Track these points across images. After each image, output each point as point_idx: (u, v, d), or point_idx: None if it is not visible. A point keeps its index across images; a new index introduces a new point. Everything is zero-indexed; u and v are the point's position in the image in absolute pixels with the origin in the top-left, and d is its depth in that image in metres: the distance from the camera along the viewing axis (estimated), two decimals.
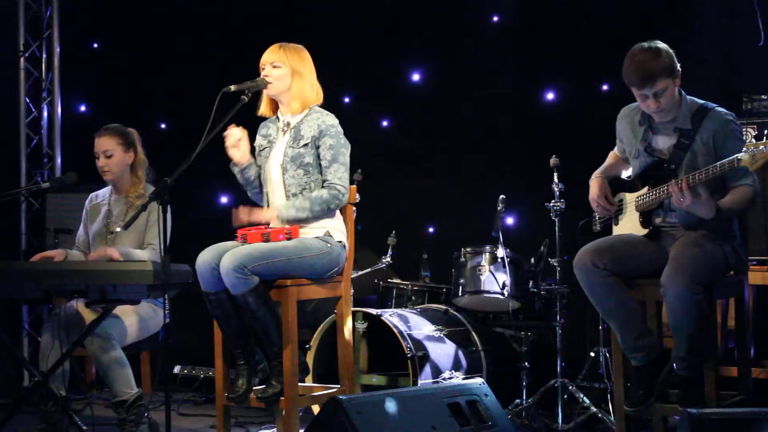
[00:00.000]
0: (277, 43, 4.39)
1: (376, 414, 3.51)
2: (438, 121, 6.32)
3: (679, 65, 3.92)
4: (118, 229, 4.77)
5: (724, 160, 3.71)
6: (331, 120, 4.34)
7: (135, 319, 4.68)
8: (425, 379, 4.80)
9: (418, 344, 4.86)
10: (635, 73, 3.88)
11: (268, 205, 4.42)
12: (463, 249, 5.25)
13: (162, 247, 3.80)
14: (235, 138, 4.30)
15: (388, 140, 6.50)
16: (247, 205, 4.32)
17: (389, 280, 5.62)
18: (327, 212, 4.31)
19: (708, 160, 3.86)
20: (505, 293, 5.08)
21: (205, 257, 4.14)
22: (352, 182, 4.45)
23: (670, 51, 3.91)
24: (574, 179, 4.78)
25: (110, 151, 4.83)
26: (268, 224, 4.42)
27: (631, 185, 4.19)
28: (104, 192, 5.00)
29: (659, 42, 3.93)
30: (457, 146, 6.29)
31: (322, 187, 4.29)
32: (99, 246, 4.83)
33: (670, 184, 3.82)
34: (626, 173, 4.31)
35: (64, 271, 4.21)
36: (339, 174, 4.29)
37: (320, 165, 4.32)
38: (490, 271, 5.13)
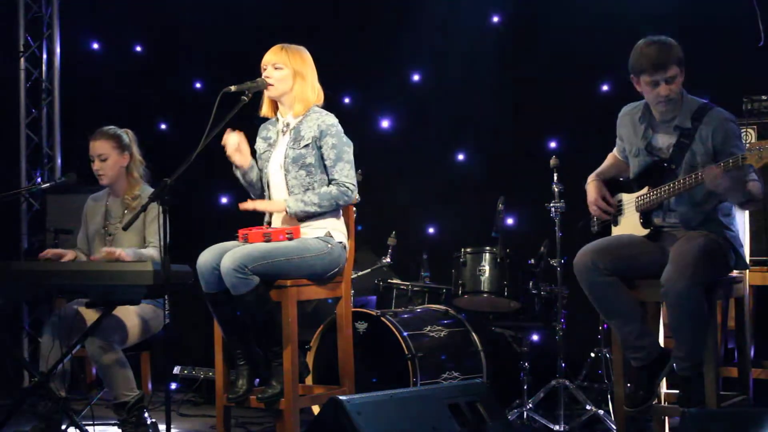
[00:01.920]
0: (278, 43, 4.39)
1: (376, 414, 3.51)
2: (438, 121, 6.33)
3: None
4: (119, 225, 4.78)
5: (728, 159, 3.69)
6: (330, 119, 4.35)
7: (136, 320, 4.68)
8: (425, 380, 4.80)
9: (417, 345, 4.86)
10: (649, 58, 3.88)
11: None
12: (463, 249, 5.25)
13: (162, 247, 3.80)
14: (234, 143, 4.30)
15: (388, 140, 6.50)
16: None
17: (389, 280, 5.61)
18: (335, 208, 4.31)
19: (706, 160, 3.87)
20: (505, 293, 5.08)
21: (205, 257, 4.14)
22: None
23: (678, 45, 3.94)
24: (574, 180, 4.78)
25: (105, 154, 4.82)
26: (270, 224, 4.42)
27: (630, 186, 4.19)
28: (102, 193, 5.00)
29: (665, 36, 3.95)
30: (457, 146, 6.29)
31: (330, 185, 4.30)
32: (97, 246, 4.83)
33: (708, 169, 3.76)
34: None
35: (64, 272, 4.21)
36: (345, 172, 4.30)
37: (323, 165, 4.32)
38: (490, 271, 5.12)
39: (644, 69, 3.91)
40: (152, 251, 4.68)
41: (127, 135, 4.92)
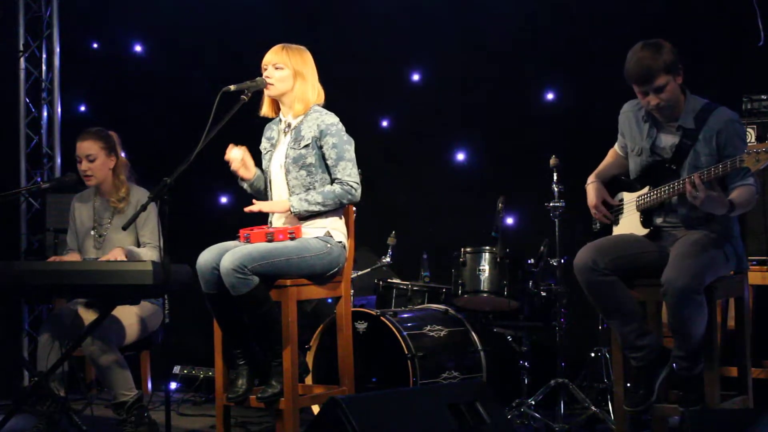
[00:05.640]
0: (278, 43, 4.40)
1: (375, 414, 3.51)
2: (438, 121, 6.32)
3: (681, 63, 3.91)
4: (108, 226, 4.79)
5: (726, 161, 3.70)
6: (330, 119, 4.35)
7: (134, 318, 4.69)
8: (425, 380, 4.80)
9: (417, 344, 4.86)
10: (635, 70, 3.89)
11: None
12: (463, 249, 5.25)
13: (162, 247, 3.80)
14: (238, 158, 4.31)
15: (388, 140, 6.50)
16: (246, 204, 4.33)
17: (389, 280, 5.61)
18: (339, 206, 4.31)
19: (711, 160, 3.86)
20: (505, 293, 5.08)
21: (205, 257, 4.14)
22: None
23: (672, 48, 3.91)
24: (574, 179, 4.78)
25: (93, 155, 4.82)
26: (271, 224, 4.42)
27: (630, 185, 4.19)
28: (87, 193, 5.00)
29: (661, 40, 3.93)
30: (457, 146, 6.29)
31: (333, 183, 4.30)
32: (88, 246, 4.84)
33: (684, 180, 3.80)
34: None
35: (64, 271, 4.22)
36: (348, 171, 4.30)
37: (324, 164, 4.32)
38: (490, 270, 5.12)
39: (632, 79, 3.93)
40: (148, 251, 4.68)
41: (112, 136, 4.92)
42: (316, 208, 4.25)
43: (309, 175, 4.31)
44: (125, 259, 4.51)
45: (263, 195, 4.48)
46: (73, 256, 4.83)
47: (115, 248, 4.66)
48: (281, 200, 4.33)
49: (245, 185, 4.46)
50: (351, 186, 4.29)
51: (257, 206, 4.25)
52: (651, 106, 3.94)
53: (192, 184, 5.39)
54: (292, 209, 4.24)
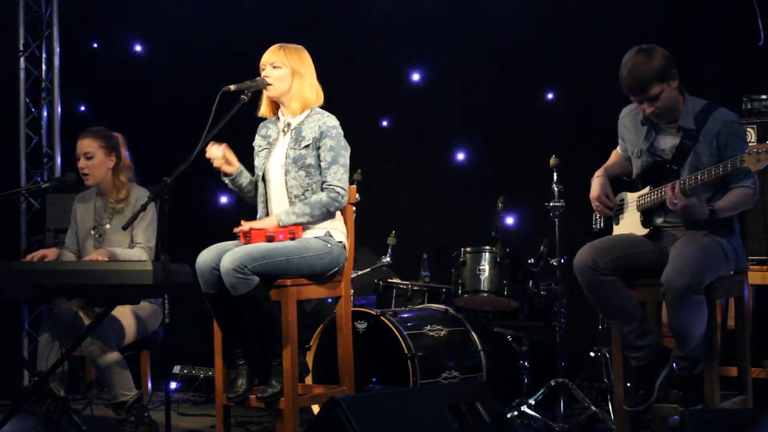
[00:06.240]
0: (277, 43, 4.40)
1: (375, 414, 3.50)
2: (438, 121, 6.32)
3: (675, 67, 3.90)
4: (108, 226, 4.78)
5: (726, 161, 3.71)
6: (332, 121, 4.35)
7: (134, 318, 4.69)
8: (425, 380, 4.80)
9: (417, 344, 4.86)
10: (628, 80, 3.89)
11: (266, 205, 4.42)
12: (463, 249, 5.25)
13: (160, 246, 3.80)
14: (219, 155, 4.31)
15: (388, 140, 6.50)
16: (246, 207, 4.33)
17: (389, 280, 5.61)
18: (327, 215, 4.31)
19: (712, 161, 3.86)
20: (505, 293, 5.08)
21: (205, 257, 4.14)
22: (351, 182, 4.46)
23: (665, 54, 3.89)
24: (574, 179, 4.78)
25: (91, 153, 4.81)
26: None
27: (632, 185, 4.19)
28: (89, 193, 5.00)
29: (654, 45, 3.92)
30: (456, 146, 6.29)
31: (322, 189, 4.30)
32: (88, 246, 4.83)
33: (667, 187, 3.82)
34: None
35: (64, 271, 4.21)
36: (338, 176, 4.29)
37: (320, 166, 4.32)
38: (490, 270, 5.12)
39: (626, 88, 3.93)
40: (137, 252, 4.66)
41: (116, 137, 4.91)
42: (305, 219, 4.25)
43: (308, 176, 4.31)
44: (107, 260, 4.50)
45: (245, 191, 4.47)
46: (51, 252, 4.80)
47: (100, 250, 4.64)
48: (269, 218, 4.33)
49: (227, 180, 4.45)
50: (338, 192, 4.28)
51: (246, 226, 4.24)
52: (647, 113, 3.95)
53: (192, 184, 5.39)
54: (280, 224, 4.24)
